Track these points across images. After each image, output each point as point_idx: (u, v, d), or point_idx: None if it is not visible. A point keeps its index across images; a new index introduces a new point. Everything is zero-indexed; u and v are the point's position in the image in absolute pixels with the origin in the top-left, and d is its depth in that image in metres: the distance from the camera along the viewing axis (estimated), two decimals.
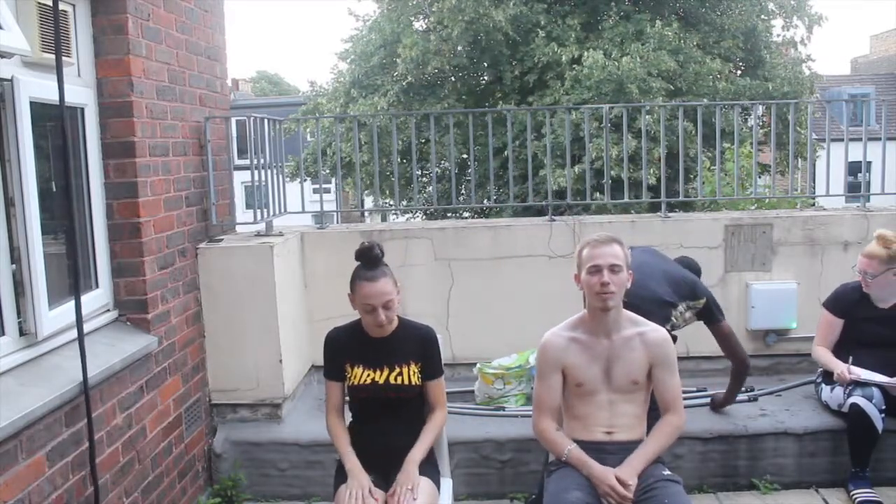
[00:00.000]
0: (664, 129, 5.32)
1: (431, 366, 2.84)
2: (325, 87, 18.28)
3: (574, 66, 14.31)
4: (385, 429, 2.80)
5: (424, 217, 10.17)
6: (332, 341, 2.88)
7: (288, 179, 5.26)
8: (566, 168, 5.69)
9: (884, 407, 3.45)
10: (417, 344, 2.82)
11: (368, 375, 2.79)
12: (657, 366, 2.70)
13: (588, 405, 2.70)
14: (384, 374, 2.78)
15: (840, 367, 3.61)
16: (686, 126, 5.05)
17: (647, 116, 5.32)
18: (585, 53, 14.13)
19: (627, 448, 2.66)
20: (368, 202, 15.08)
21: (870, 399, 3.44)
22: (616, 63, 13.77)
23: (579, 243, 2.76)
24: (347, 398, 2.88)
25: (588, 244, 2.71)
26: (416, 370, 2.80)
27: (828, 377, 3.79)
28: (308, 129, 10.94)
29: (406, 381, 2.79)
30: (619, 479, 2.53)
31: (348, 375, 2.83)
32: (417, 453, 2.74)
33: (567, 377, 2.73)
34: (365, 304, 2.72)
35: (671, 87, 14.35)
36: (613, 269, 2.62)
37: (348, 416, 2.91)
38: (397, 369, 2.79)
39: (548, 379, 2.76)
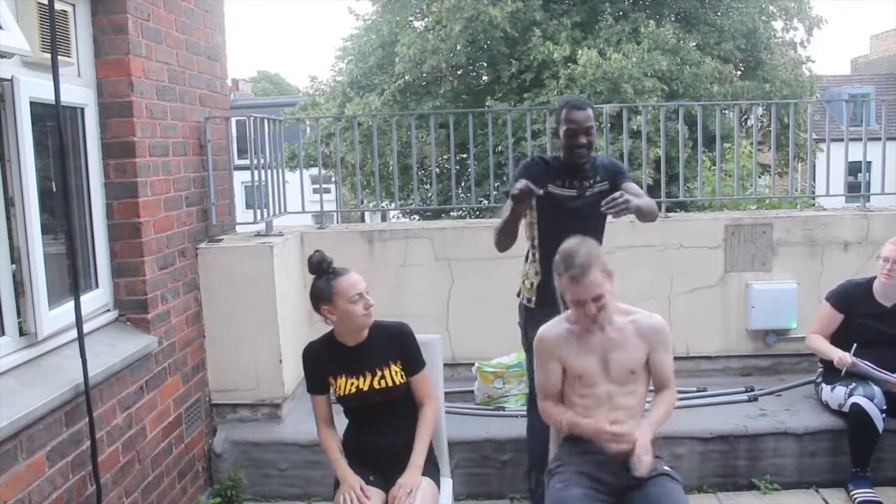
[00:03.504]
0: (664, 128, 5.32)
1: (411, 361, 2.84)
2: (325, 83, 18.32)
3: (569, 64, 14.33)
4: (381, 429, 2.80)
5: (421, 217, 10.19)
6: (311, 355, 2.88)
7: (286, 164, 5.25)
8: None
9: (885, 406, 3.45)
10: (392, 342, 2.82)
11: (353, 384, 2.78)
12: (655, 350, 2.69)
13: (587, 399, 2.68)
14: (367, 381, 2.78)
15: (838, 353, 3.62)
16: (684, 129, 5.05)
17: (644, 116, 5.31)
18: (580, 51, 14.15)
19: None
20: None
21: (871, 399, 3.44)
22: (610, 61, 13.78)
23: (555, 267, 2.62)
24: (338, 404, 2.88)
25: (564, 276, 2.57)
26: (397, 369, 2.80)
27: (828, 377, 3.79)
28: (308, 123, 10.98)
29: (390, 383, 2.78)
30: (640, 443, 2.50)
31: (334, 387, 2.83)
32: (419, 457, 2.75)
33: (566, 370, 2.71)
34: (352, 295, 2.72)
35: (666, 88, 14.36)
36: (597, 300, 2.56)
37: (343, 422, 2.91)
38: (379, 373, 2.78)
39: (546, 366, 2.73)
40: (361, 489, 2.64)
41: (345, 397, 2.81)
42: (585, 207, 3.22)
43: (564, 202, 3.24)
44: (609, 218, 3.25)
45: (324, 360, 2.83)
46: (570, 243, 2.62)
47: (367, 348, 2.81)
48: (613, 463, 2.60)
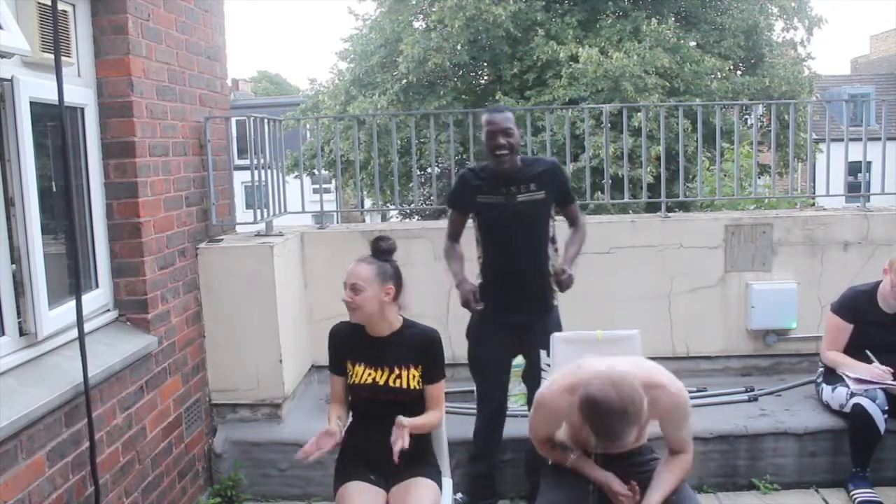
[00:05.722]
0: (663, 127, 5.32)
1: (432, 370, 2.81)
2: (325, 84, 18.31)
3: (571, 62, 14.38)
4: (385, 430, 2.77)
5: (421, 218, 10.20)
6: (336, 335, 2.88)
7: (287, 175, 5.26)
8: (565, 166, 5.69)
9: (886, 407, 3.44)
10: (418, 347, 2.80)
11: (369, 375, 2.78)
12: (671, 423, 2.58)
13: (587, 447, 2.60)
14: (384, 375, 2.77)
15: (865, 367, 3.57)
16: (685, 125, 5.05)
17: (644, 114, 5.31)
18: (581, 50, 14.20)
19: (625, 458, 2.62)
20: (368, 202, 15.08)
21: (873, 400, 3.44)
22: (611, 60, 13.83)
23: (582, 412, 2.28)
24: (350, 397, 2.88)
25: (592, 435, 2.31)
26: (415, 374, 2.78)
27: (829, 377, 3.78)
28: (308, 127, 10.98)
29: (404, 385, 2.77)
30: None
31: (350, 373, 2.82)
32: (413, 421, 2.67)
33: (571, 426, 2.65)
34: (345, 280, 2.74)
35: (667, 84, 14.42)
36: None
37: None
38: (396, 371, 2.77)
39: (546, 423, 2.63)
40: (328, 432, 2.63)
41: (358, 386, 2.79)
42: (517, 215, 3.28)
43: (494, 211, 3.30)
44: (550, 226, 3.37)
45: (346, 342, 2.83)
46: (607, 401, 2.19)
47: (391, 344, 2.79)
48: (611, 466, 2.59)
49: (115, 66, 3.13)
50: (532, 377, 3.41)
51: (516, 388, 4.02)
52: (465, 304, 3.30)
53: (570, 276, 3.15)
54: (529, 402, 3.39)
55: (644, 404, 2.24)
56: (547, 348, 3.35)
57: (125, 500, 3.03)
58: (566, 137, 5.08)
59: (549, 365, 3.34)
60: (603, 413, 2.19)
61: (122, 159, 3.17)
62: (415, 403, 2.82)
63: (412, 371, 2.78)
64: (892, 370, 3.53)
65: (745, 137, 9.04)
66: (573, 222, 3.46)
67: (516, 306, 3.33)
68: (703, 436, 3.71)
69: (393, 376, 2.77)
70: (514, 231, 3.29)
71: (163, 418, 3.37)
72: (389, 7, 16.89)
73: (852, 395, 3.52)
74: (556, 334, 3.33)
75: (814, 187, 5.51)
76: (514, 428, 3.74)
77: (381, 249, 2.80)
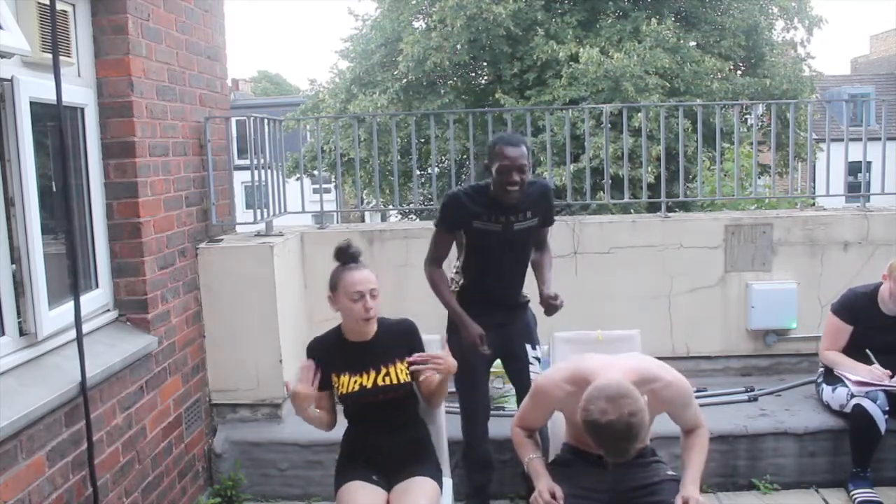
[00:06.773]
0: (664, 127, 5.32)
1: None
2: (325, 84, 18.34)
3: (571, 62, 14.41)
4: (381, 430, 2.78)
5: (421, 218, 10.20)
6: (313, 352, 2.83)
7: (287, 176, 5.26)
8: (566, 166, 5.70)
9: (887, 408, 3.43)
10: (401, 340, 2.81)
11: (356, 382, 2.76)
12: (675, 410, 2.63)
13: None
14: (371, 378, 2.75)
15: (865, 368, 3.57)
16: (685, 125, 5.05)
17: (644, 114, 5.31)
18: (581, 50, 14.23)
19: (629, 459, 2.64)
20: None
21: (874, 401, 3.43)
22: (611, 60, 13.85)
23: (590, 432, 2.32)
24: (340, 405, 2.86)
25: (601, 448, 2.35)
26: (403, 368, 2.78)
27: (829, 377, 3.78)
28: (308, 128, 10.98)
29: (395, 381, 2.76)
30: (687, 500, 2.44)
31: (336, 385, 2.80)
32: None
33: (569, 417, 2.69)
34: (352, 291, 2.70)
35: (668, 84, 14.43)
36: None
37: (344, 423, 2.89)
38: (384, 370, 2.76)
39: (538, 409, 2.73)
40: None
41: (347, 395, 2.77)
42: (511, 242, 3.23)
43: (488, 237, 3.22)
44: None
45: (326, 356, 2.80)
46: (610, 424, 2.24)
47: (373, 345, 2.78)
48: (610, 477, 2.59)
49: (115, 66, 3.13)
50: (518, 371, 3.39)
51: (511, 389, 4.03)
52: (472, 347, 3.18)
53: (562, 301, 3.13)
54: (519, 401, 3.39)
55: (645, 411, 2.27)
56: (530, 342, 3.34)
57: (125, 499, 3.03)
58: (566, 137, 5.08)
59: (536, 358, 3.33)
60: (609, 435, 2.25)
61: (122, 159, 3.17)
62: (407, 398, 2.82)
63: (399, 366, 2.77)
64: (890, 373, 3.53)
65: (745, 137, 9.04)
66: (542, 244, 3.42)
67: (495, 311, 3.29)
68: None
69: (381, 375, 2.76)
70: (506, 254, 3.24)
71: (163, 418, 3.37)
72: (390, 6, 16.91)
73: (853, 395, 3.52)
74: (557, 334, 3.34)
75: (814, 187, 5.51)
76: None
77: (356, 255, 2.79)
